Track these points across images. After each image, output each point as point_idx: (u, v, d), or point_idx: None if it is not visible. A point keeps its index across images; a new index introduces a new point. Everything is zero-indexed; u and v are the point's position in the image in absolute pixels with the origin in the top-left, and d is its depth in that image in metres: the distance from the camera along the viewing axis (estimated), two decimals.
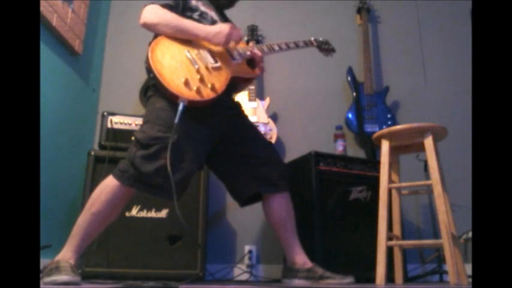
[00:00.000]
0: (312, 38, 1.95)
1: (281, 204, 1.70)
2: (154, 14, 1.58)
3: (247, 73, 1.70)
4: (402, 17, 3.08)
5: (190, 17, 1.68)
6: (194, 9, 1.71)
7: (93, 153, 2.07)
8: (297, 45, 1.88)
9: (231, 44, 1.66)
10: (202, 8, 1.74)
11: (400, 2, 3.10)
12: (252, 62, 1.74)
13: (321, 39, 1.99)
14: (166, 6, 1.61)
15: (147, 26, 1.59)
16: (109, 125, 2.16)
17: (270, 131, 2.59)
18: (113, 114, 2.19)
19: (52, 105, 2.19)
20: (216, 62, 1.61)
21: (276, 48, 1.82)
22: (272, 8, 3.02)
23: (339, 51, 2.92)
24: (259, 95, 2.73)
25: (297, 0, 3.06)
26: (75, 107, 2.46)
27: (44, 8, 2.06)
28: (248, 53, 1.72)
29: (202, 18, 1.71)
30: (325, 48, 2.00)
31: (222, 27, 1.61)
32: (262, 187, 1.68)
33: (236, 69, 1.65)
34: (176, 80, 1.48)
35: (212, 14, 1.77)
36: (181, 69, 1.52)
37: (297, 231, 1.74)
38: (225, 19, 1.87)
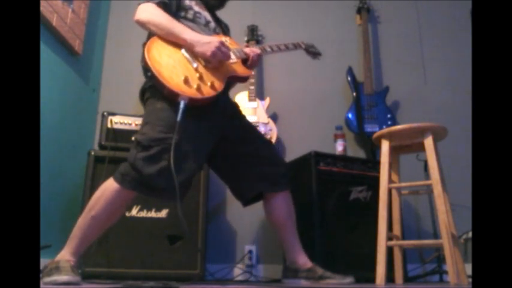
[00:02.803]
0: (301, 41, 1.96)
1: (282, 204, 1.70)
2: (147, 12, 1.57)
3: (243, 72, 1.70)
4: (402, 17, 3.08)
5: (185, 17, 1.68)
6: (188, 9, 1.70)
7: (93, 153, 2.07)
8: (287, 47, 1.89)
9: (214, 61, 1.57)
10: (196, 8, 1.73)
11: (400, 2, 3.10)
12: (247, 61, 1.74)
13: (308, 42, 2.00)
14: (160, 4, 1.59)
15: (140, 24, 1.58)
16: (109, 125, 2.16)
17: (270, 131, 2.58)
18: (113, 114, 2.19)
19: (52, 105, 2.19)
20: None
21: (268, 49, 1.83)
22: (272, 8, 3.02)
23: (339, 51, 2.94)
24: (259, 95, 2.73)
25: (297, 0, 3.06)
26: (75, 107, 2.46)
27: (44, 8, 2.06)
28: (246, 51, 1.72)
29: (196, 17, 1.70)
30: (312, 51, 1.99)
31: (212, 39, 1.57)
32: (263, 186, 1.68)
33: (233, 68, 1.65)
34: (175, 78, 1.48)
35: (205, 14, 1.76)
36: (180, 67, 1.52)
37: (297, 231, 1.74)
38: (217, 21, 1.86)
